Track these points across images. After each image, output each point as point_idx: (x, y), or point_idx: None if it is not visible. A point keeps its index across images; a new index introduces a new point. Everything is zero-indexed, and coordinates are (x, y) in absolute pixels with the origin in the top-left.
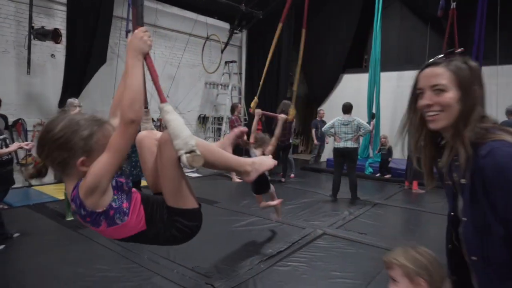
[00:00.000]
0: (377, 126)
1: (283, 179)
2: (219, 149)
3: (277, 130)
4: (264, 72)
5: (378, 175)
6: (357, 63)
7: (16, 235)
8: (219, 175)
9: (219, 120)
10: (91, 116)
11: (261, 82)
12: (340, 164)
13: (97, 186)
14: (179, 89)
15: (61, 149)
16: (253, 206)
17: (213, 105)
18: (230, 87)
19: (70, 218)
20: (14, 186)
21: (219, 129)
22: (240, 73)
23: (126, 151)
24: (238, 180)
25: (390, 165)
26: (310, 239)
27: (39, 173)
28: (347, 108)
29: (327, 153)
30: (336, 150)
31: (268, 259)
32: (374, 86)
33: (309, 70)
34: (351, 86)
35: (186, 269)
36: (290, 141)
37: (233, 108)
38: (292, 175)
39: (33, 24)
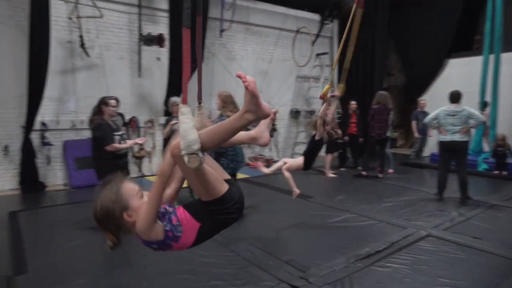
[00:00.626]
0: (492, 116)
1: (380, 175)
2: (224, 125)
3: (331, 111)
4: (350, 56)
5: (496, 172)
6: (465, 46)
7: None
8: (312, 169)
9: (311, 113)
10: (111, 185)
11: (345, 66)
12: (447, 159)
13: (146, 228)
14: (272, 84)
15: (109, 217)
16: (348, 202)
17: (305, 98)
18: (321, 79)
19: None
20: (130, 176)
21: None
22: (332, 65)
23: (158, 201)
24: (332, 175)
25: (510, 160)
26: (413, 240)
27: (115, 243)
28: (454, 97)
29: (430, 147)
30: (442, 144)
31: (365, 258)
32: (488, 70)
33: (407, 57)
34: (458, 72)
35: (281, 261)
36: (388, 134)
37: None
38: (391, 171)
39: (141, 31)
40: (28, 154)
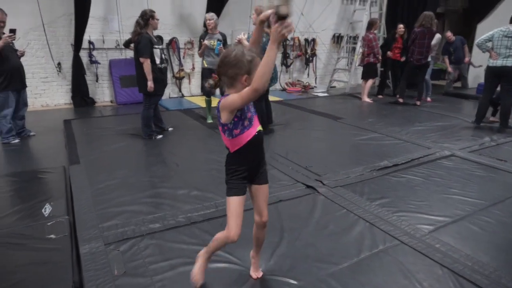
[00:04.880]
0: None
1: (418, 103)
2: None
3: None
4: None
5: None
6: None
7: (170, 129)
8: (349, 95)
9: (355, 39)
10: (251, 49)
11: None
12: (492, 86)
13: (226, 109)
14: (314, 6)
15: (235, 66)
16: (377, 124)
17: (349, 22)
18: (368, 1)
19: (210, 121)
20: (171, 96)
21: (354, 49)
22: None
23: (248, 101)
24: (368, 100)
25: None
26: (434, 158)
27: (216, 85)
28: None
29: (473, 77)
30: (490, 70)
31: (382, 169)
32: None
33: None
34: None
35: (300, 167)
36: (429, 59)
37: (370, 25)
38: (429, 99)
39: None
40: (78, 71)
